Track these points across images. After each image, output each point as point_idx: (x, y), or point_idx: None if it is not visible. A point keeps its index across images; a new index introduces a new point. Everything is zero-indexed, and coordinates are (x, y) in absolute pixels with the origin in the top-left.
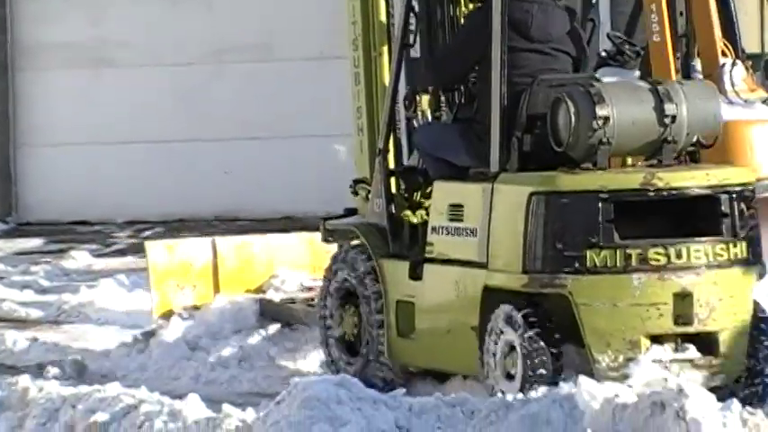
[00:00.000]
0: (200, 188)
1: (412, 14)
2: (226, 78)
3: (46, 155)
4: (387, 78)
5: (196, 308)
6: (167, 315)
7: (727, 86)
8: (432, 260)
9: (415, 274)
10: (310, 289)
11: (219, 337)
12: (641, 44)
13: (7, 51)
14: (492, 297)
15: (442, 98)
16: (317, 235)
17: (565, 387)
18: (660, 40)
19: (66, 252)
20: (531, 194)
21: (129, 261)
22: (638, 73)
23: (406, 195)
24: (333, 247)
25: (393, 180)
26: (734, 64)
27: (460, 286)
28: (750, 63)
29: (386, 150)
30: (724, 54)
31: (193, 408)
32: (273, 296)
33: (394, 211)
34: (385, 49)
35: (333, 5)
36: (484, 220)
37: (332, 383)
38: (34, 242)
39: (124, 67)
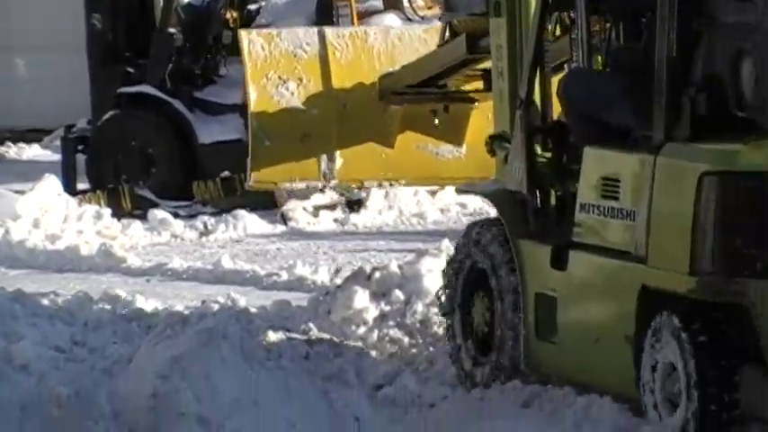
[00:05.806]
0: None
1: None
2: None
3: None
4: (533, 10)
5: None
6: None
7: (405, 3)
8: (579, 245)
9: (559, 263)
10: None
11: None
12: None
13: None
14: (652, 301)
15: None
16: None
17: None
18: None
19: None
20: (704, 174)
21: None
22: None
23: (552, 159)
24: None
25: (539, 139)
26: None
27: (613, 283)
28: None
29: (529, 101)
30: None
31: None
32: None
33: (536, 178)
34: None
35: None
36: (643, 202)
37: (7, 298)
38: None
39: None
